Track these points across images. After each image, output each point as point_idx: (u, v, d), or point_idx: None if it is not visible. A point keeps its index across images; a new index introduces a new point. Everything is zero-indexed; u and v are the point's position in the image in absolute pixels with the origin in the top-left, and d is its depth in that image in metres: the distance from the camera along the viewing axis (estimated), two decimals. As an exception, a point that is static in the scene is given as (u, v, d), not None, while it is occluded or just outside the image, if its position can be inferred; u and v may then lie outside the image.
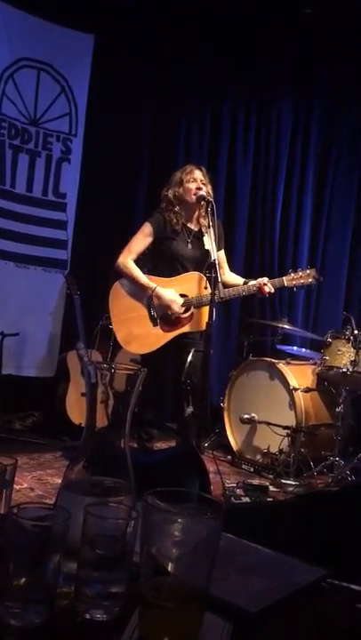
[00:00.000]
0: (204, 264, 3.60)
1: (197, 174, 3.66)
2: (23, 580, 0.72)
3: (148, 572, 0.70)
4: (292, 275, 3.80)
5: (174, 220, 3.63)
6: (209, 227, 3.43)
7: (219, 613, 0.78)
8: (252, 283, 3.71)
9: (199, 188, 3.60)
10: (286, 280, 3.76)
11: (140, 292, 3.68)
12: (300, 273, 3.80)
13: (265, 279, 3.70)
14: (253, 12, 4.90)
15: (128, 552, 0.78)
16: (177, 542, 0.70)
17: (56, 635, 0.72)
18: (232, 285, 3.74)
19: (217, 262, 3.29)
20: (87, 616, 0.75)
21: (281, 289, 3.82)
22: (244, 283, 3.76)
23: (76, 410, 4.37)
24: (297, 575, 0.96)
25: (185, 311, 3.62)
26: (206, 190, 3.63)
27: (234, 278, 3.86)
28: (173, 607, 0.69)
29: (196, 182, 3.62)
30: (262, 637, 0.80)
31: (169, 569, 0.70)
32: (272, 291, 3.68)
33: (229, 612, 0.80)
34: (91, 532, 0.76)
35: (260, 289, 3.66)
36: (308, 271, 3.83)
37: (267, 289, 3.66)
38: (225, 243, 3.88)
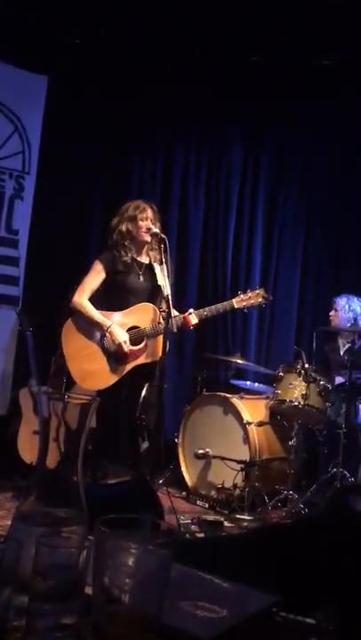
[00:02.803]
0: (155, 296, 3.65)
1: (150, 213, 3.75)
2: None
3: (100, 600, 0.70)
4: (241, 296, 3.80)
5: (124, 254, 3.70)
6: (161, 263, 3.49)
7: (172, 642, 0.78)
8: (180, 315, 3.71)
9: (149, 228, 3.69)
10: (236, 302, 3.77)
11: (92, 328, 3.69)
12: (250, 294, 3.81)
13: (190, 310, 3.71)
14: (206, 55, 5.05)
15: (80, 582, 0.78)
16: (129, 569, 0.70)
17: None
18: None
19: (169, 297, 3.34)
20: (38, 649, 0.74)
21: (234, 315, 3.82)
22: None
23: (27, 448, 4.28)
24: (250, 602, 0.97)
25: (139, 342, 3.63)
26: (158, 228, 3.72)
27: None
28: (126, 634, 0.69)
29: (148, 221, 3.71)
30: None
31: (121, 596, 0.70)
32: (195, 321, 3.66)
33: (182, 639, 0.80)
34: (42, 562, 0.76)
35: (184, 319, 3.67)
36: (256, 291, 3.83)
37: (191, 319, 3.65)
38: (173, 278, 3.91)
